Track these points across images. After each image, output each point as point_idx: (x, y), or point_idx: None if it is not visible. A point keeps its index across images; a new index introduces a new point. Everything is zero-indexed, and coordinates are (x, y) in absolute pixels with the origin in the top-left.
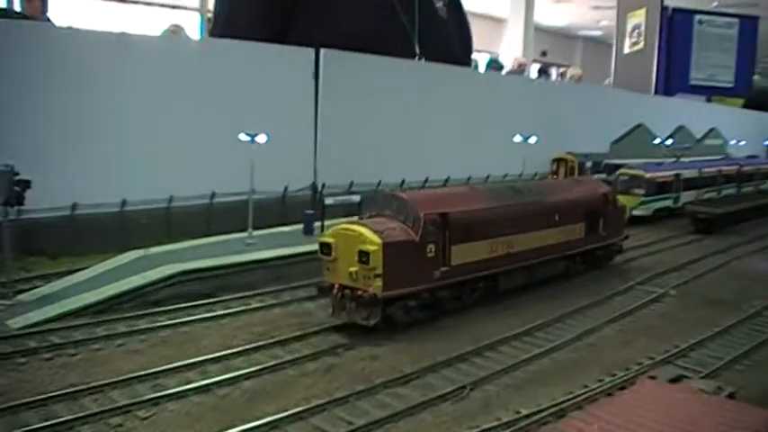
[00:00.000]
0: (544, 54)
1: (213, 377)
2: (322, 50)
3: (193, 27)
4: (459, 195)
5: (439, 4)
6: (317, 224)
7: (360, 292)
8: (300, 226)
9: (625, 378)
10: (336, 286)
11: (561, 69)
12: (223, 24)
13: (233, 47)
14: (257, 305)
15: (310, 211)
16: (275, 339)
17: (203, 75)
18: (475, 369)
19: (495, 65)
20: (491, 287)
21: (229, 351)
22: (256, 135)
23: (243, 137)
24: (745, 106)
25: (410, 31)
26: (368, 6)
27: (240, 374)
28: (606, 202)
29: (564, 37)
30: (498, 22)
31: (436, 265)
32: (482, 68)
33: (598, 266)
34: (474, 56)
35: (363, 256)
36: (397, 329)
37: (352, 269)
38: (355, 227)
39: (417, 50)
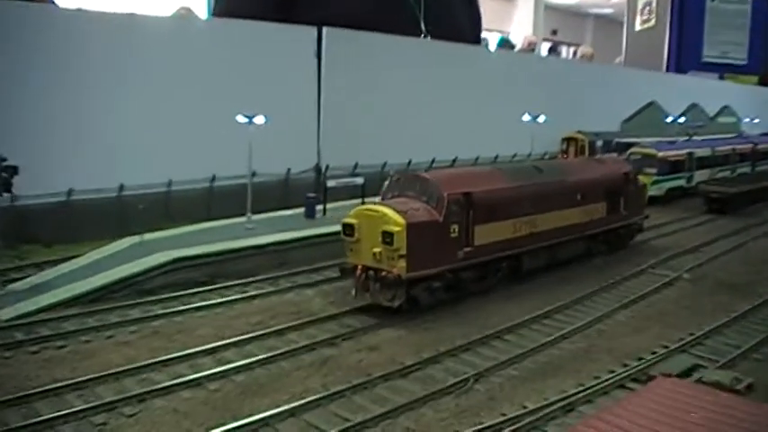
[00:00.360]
0: (555, 32)
1: (204, 371)
2: (324, 29)
3: (201, 9)
4: (483, 175)
5: None
6: (320, 207)
7: (384, 273)
8: (302, 209)
9: (640, 368)
10: (360, 267)
11: (572, 48)
12: (225, 3)
13: (235, 26)
14: (254, 293)
15: (312, 195)
16: (271, 329)
17: (206, 55)
18: (480, 360)
19: (506, 44)
20: (514, 267)
21: (222, 342)
22: (254, 116)
23: (240, 118)
24: (761, 83)
25: (415, 9)
26: None
27: (231, 368)
28: (627, 182)
29: (574, 15)
30: (509, 1)
31: (460, 246)
32: (493, 47)
33: (620, 246)
34: (485, 35)
35: (387, 237)
36: (404, 314)
37: (376, 250)
38: (379, 207)
39: (423, 28)
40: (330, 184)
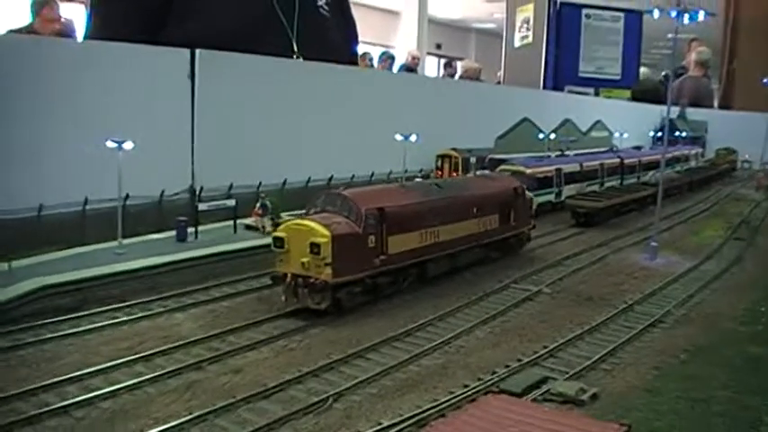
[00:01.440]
0: (439, 46)
1: (70, 398)
2: (198, 51)
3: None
4: (392, 192)
5: (321, 2)
6: (192, 230)
7: (312, 280)
8: (174, 233)
9: (493, 382)
10: (289, 276)
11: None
12: (97, 24)
13: (107, 49)
14: (124, 318)
15: (183, 218)
16: (139, 355)
17: (75, 78)
18: (341, 379)
19: (386, 57)
20: (421, 273)
21: (90, 369)
22: (124, 142)
23: (110, 144)
24: (633, 98)
25: (288, 30)
26: (245, 4)
27: (98, 395)
28: (517, 196)
29: (458, 29)
30: (393, 14)
31: (376, 254)
32: (375, 61)
33: (511, 253)
34: (368, 49)
35: (315, 248)
36: (270, 337)
37: (304, 259)
38: (306, 222)
39: (296, 49)
40: (201, 207)
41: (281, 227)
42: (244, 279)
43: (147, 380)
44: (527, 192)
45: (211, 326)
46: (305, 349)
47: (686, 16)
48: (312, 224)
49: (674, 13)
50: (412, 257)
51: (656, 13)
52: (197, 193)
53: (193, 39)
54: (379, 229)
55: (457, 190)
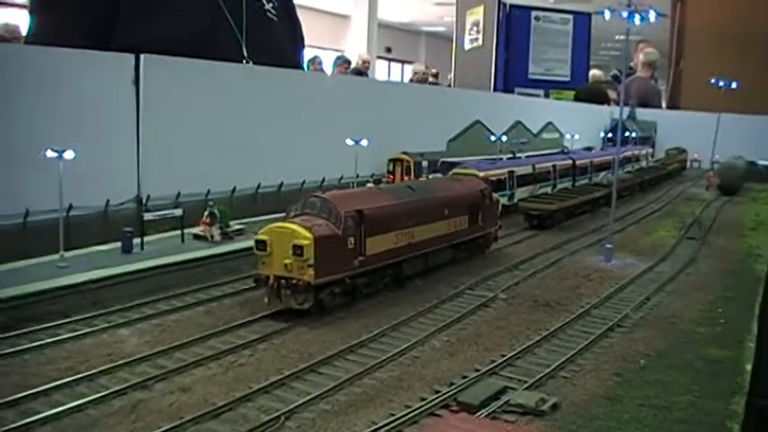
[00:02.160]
0: (389, 50)
1: (7, 425)
2: (142, 56)
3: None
4: (368, 194)
5: (268, 6)
6: (138, 241)
7: (294, 281)
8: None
9: (450, 394)
10: (272, 277)
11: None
12: (40, 32)
13: (47, 54)
14: (67, 335)
15: (128, 229)
16: (81, 375)
17: (14, 86)
18: (293, 395)
19: (343, 63)
20: (397, 273)
21: (28, 392)
22: (64, 151)
23: (50, 153)
24: (576, 99)
25: (238, 34)
26: (193, 9)
27: (36, 419)
28: (484, 197)
29: (408, 33)
30: (343, 18)
31: (355, 256)
32: (329, 67)
33: (479, 253)
34: (318, 53)
35: (298, 250)
36: (219, 352)
37: (287, 261)
38: (288, 225)
39: (245, 54)
40: (147, 217)
41: (264, 229)
42: (192, 291)
43: (90, 401)
44: (493, 194)
45: (158, 341)
46: (255, 364)
47: (637, 17)
48: (294, 227)
49: (625, 14)
50: (389, 258)
51: (608, 14)
52: (143, 202)
53: (142, 46)
54: (358, 231)
55: (429, 192)
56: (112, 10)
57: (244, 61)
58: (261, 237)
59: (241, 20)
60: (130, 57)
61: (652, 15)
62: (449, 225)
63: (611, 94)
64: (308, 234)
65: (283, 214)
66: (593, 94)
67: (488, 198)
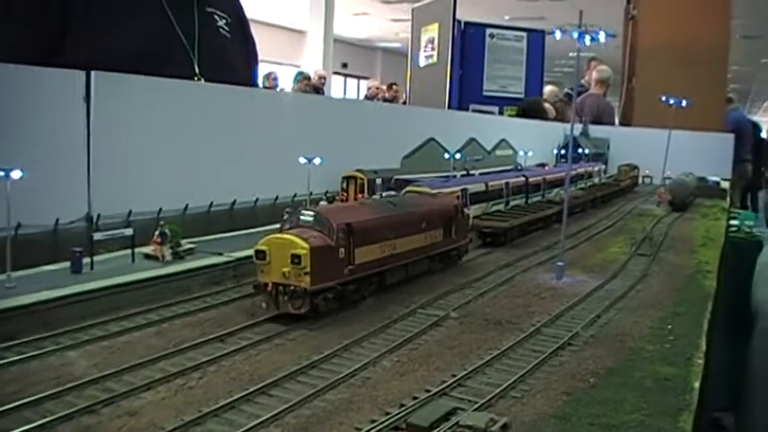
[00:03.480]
0: (345, 65)
1: None
2: (93, 73)
3: None
4: (355, 208)
5: (221, 22)
6: (88, 261)
7: (292, 288)
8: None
9: (400, 416)
10: (270, 284)
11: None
12: None
13: None
14: (14, 358)
15: (78, 248)
16: (27, 399)
17: None
18: (243, 419)
19: (303, 78)
20: (380, 282)
21: None
22: (11, 170)
23: None
24: (517, 114)
25: (190, 51)
26: (144, 25)
27: None
28: (457, 212)
29: (364, 49)
30: (299, 33)
31: (345, 264)
32: (289, 82)
33: (452, 264)
34: (275, 68)
35: (296, 259)
36: (170, 375)
37: (285, 269)
38: (285, 236)
39: (197, 71)
40: (97, 236)
41: (263, 240)
42: (142, 312)
43: (35, 427)
44: (465, 209)
45: (107, 364)
46: (204, 387)
47: (587, 38)
48: (292, 238)
49: (575, 35)
50: (374, 267)
51: (559, 35)
52: (94, 220)
53: (93, 63)
54: (348, 242)
55: (408, 207)
56: (64, 24)
57: (195, 78)
58: (260, 247)
59: (193, 36)
60: (81, 73)
61: (602, 36)
62: (426, 237)
63: (549, 109)
64: (305, 244)
65: (234, 234)
66: (529, 109)
67: (461, 213)
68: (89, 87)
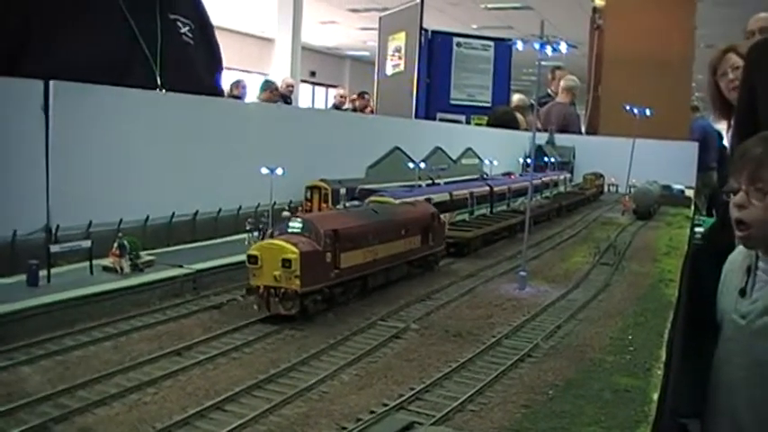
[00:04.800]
0: (313, 74)
1: None
2: (51, 82)
3: None
4: (340, 215)
5: (184, 29)
6: (45, 274)
7: (283, 290)
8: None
9: (357, 431)
10: (262, 287)
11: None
12: None
13: None
14: None
15: (34, 261)
16: None
17: None
18: None
19: (269, 87)
20: (364, 285)
21: None
22: None
23: None
24: (488, 124)
25: (151, 60)
26: (105, 33)
27: None
28: (433, 219)
29: (333, 57)
30: (268, 42)
31: (332, 268)
32: (256, 91)
33: (428, 269)
34: (242, 76)
35: (287, 263)
36: (121, 391)
37: (276, 273)
38: (276, 242)
39: (159, 80)
40: (54, 249)
41: (254, 246)
42: (99, 326)
43: None
44: (441, 216)
45: (61, 379)
46: (160, 403)
47: (549, 48)
48: (282, 243)
49: (537, 45)
50: (358, 271)
51: (521, 45)
52: (53, 232)
53: (54, 73)
54: (334, 247)
55: (389, 214)
56: (22, 36)
57: (157, 87)
58: (252, 252)
59: (155, 44)
60: (39, 83)
61: (563, 46)
62: (405, 244)
63: (521, 120)
64: (295, 249)
65: (196, 245)
66: (501, 119)
67: (437, 220)
68: (47, 97)
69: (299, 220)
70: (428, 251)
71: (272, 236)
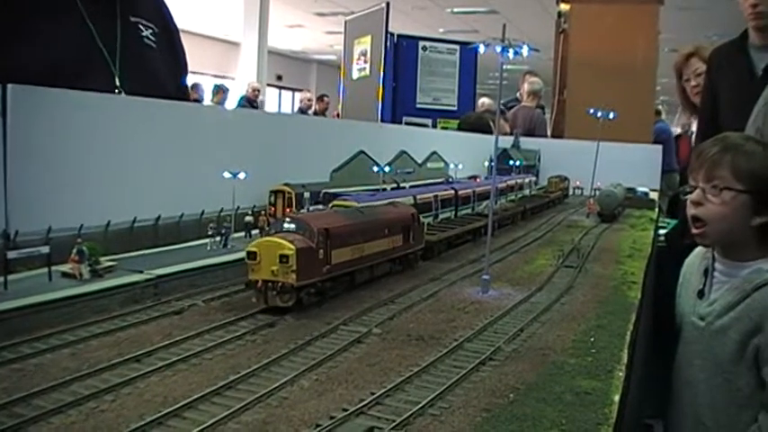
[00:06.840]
0: (279, 78)
1: None
2: (9, 86)
3: None
4: (331, 215)
5: (146, 32)
6: (1, 280)
7: (280, 284)
8: None
9: None
10: (260, 282)
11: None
12: None
13: None
14: None
15: None
16: None
17: None
18: None
19: (220, 90)
20: (351, 281)
21: None
22: None
23: None
24: (459, 129)
25: (110, 63)
26: (63, 35)
27: None
28: (414, 219)
29: (299, 61)
30: (233, 45)
31: (324, 264)
32: (208, 94)
33: (408, 267)
34: (201, 80)
35: (284, 258)
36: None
37: (274, 268)
38: (273, 239)
39: (118, 84)
40: (11, 255)
41: (253, 243)
42: (57, 333)
43: None
44: (420, 217)
45: (16, 388)
46: (117, 410)
47: (511, 52)
48: (279, 240)
49: (498, 49)
50: (346, 267)
51: (482, 48)
52: (11, 238)
53: (11, 77)
54: (326, 244)
55: (374, 215)
56: None
57: (116, 91)
58: (251, 248)
59: (115, 48)
60: None
61: (525, 50)
62: (388, 242)
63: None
64: (291, 245)
65: (159, 250)
66: (474, 124)
67: (417, 221)
68: (5, 101)
69: (291, 219)
70: (409, 249)
71: (268, 234)
